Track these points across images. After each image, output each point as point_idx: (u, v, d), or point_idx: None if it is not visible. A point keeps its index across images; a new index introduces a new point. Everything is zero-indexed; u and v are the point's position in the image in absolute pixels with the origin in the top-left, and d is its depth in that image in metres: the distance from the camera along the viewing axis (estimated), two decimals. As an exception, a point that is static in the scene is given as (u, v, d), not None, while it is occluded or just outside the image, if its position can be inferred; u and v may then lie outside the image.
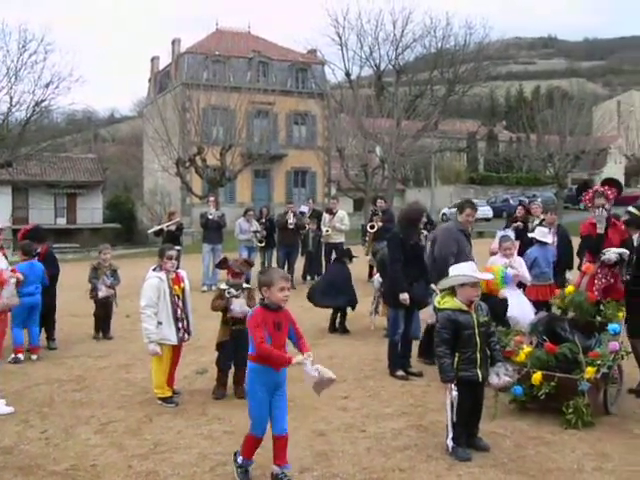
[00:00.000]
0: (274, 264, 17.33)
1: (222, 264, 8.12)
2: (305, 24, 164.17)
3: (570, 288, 7.77)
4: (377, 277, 10.55)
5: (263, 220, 17.05)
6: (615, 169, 73.20)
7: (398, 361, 8.46)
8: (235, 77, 49.32)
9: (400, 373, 8.33)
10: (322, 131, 53.26)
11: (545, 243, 11.10)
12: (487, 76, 57.29)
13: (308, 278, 17.16)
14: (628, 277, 7.41)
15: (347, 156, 39.97)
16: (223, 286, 7.75)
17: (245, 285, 7.83)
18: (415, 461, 5.73)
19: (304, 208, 18.33)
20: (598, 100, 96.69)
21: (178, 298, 7.39)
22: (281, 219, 16.89)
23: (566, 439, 6.20)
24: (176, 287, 7.39)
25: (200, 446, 6.12)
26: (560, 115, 53.04)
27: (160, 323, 7.21)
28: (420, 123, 46.32)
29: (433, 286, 8.33)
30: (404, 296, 8.19)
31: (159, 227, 16.54)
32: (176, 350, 7.49)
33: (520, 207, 14.84)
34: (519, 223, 13.79)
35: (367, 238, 16.03)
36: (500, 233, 9.53)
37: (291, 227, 16.52)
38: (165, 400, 7.32)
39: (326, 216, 16.55)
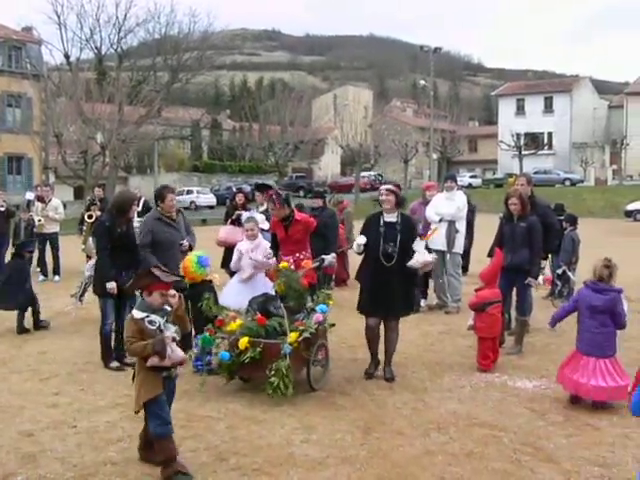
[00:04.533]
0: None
1: (141, 281, 5.30)
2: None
3: (284, 263, 8.02)
4: (89, 264, 10.06)
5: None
6: (332, 158, 77.61)
7: (112, 352, 8.25)
8: None
9: (114, 364, 8.12)
10: (39, 115, 50.31)
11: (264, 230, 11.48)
12: (212, 65, 57.75)
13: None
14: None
15: (65, 142, 38.40)
16: (138, 314, 5.12)
17: (167, 308, 5.27)
18: (128, 452, 5.63)
19: (30, 195, 17.22)
20: (317, 93, 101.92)
21: None
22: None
23: (277, 416, 6.43)
24: None
25: None
26: (281, 106, 55.26)
27: None
28: (143, 109, 45.61)
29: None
30: (111, 285, 7.98)
31: None
32: None
33: (240, 195, 15.11)
34: (241, 211, 14.06)
35: (84, 227, 15.47)
36: (245, 214, 9.53)
37: (2, 209, 15.52)
38: None
39: (38, 205, 15.65)
